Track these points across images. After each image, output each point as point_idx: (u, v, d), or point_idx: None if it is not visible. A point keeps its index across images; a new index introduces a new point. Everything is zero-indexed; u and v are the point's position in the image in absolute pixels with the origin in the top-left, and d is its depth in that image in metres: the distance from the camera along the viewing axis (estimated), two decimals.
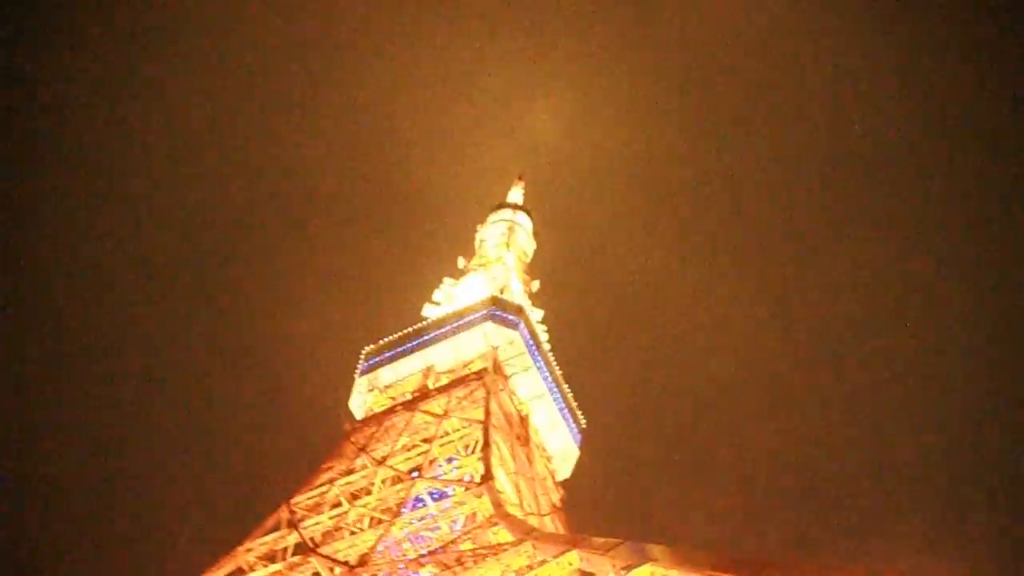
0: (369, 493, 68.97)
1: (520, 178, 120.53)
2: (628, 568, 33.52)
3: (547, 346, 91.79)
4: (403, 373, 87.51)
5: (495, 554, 47.70)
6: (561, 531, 68.39)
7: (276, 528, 67.58)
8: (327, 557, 60.67)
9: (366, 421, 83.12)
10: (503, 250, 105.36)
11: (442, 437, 73.02)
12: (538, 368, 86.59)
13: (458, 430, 73.77)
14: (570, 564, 39.78)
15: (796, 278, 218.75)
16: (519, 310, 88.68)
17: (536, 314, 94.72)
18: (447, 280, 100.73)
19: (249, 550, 64.93)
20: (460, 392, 79.23)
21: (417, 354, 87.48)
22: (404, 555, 59.43)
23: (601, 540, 38.82)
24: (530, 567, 43.35)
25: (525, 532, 49.62)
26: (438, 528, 63.49)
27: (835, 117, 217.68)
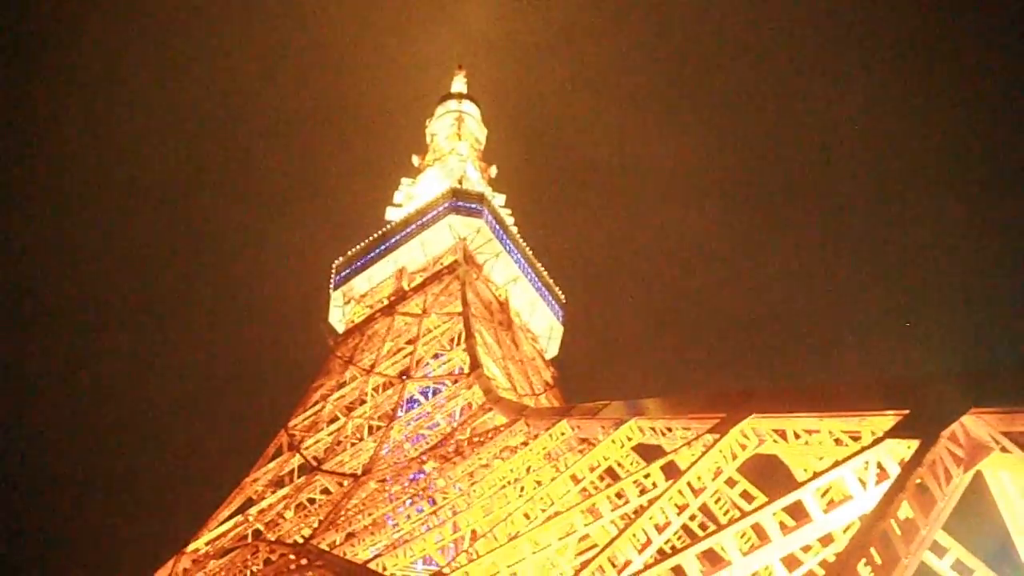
0: (363, 403, 69.25)
1: (460, 67, 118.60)
2: (617, 425, 33.69)
3: (514, 228, 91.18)
4: (376, 279, 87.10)
5: (491, 438, 48.13)
6: (556, 406, 68.47)
7: (278, 454, 68.13)
8: (332, 472, 61.19)
9: (348, 333, 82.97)
10: (455, 141, 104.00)
11: (425, 336, 73.14)
12: (509, 252, 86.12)
13: (439, 326, 73.94)
14: (562, 433, 40.07)
15: (754, 115, 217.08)
16: (480, 198, 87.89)
17: (498, 198, 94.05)
18: (404, 180, 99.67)
19: (255, 480, 65.37)
20: (435, 288, 79.02)
21: (387, 258, 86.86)
22: (406, 456, 59.99)
23: (589, 404, 38.99)
24: (525, 443, 43.66)
25: (518, 412, 50.00)
26: (436, 424, 64.12)
27: None
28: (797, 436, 24.76)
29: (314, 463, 63.99)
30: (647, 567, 21.97)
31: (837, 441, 23.38)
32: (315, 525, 51.89)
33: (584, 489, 33.35)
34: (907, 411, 20.87)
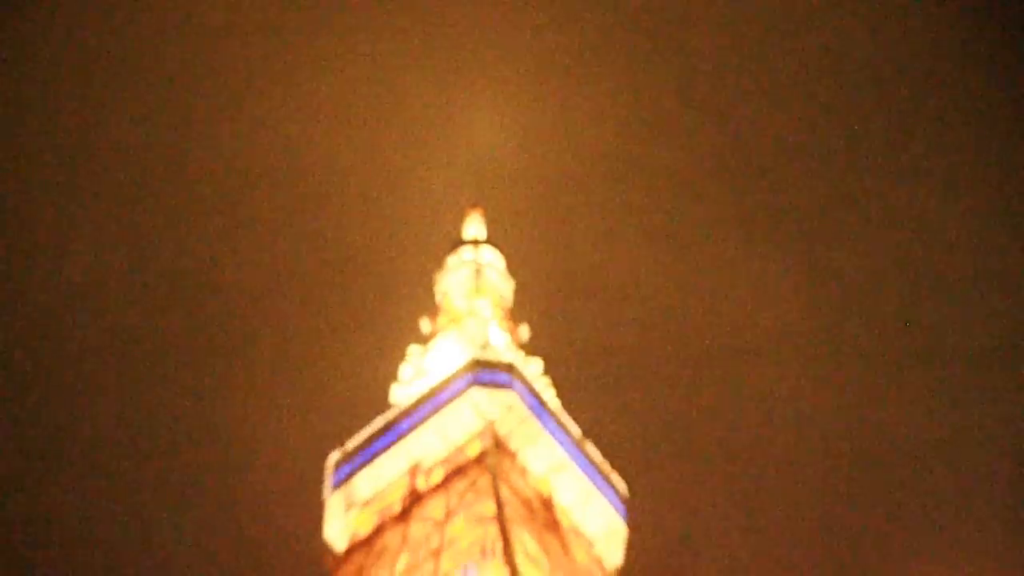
0: None
1: (475, 207, 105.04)
2: None
3: (555, 402, 75.59)
4: (384, 477, 70.95)
5: None
6: None
7: None
8: None
9: (352, 548, 67.72)
10: (474, 298, 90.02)
11: (450, 546, 59.83)
12: (550, 433, 70.70)
13: (468, 533, 60.17)
14: None
15: (822, 259, 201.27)
16: (509, 367, 72.38)
17: (533, 366, 78.32)
18: (413, 350, 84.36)
19: None
20: (460, 485, 65.10)
21: (396, 450, 71.06)
22: None
23: None
24: None
25: None
26: None
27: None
28: None
29: None
30: None
31: None
32: None
33: None
34: None
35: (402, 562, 61.02)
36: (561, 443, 71.01)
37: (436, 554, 59.24)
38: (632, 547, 73.07)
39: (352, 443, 73.96)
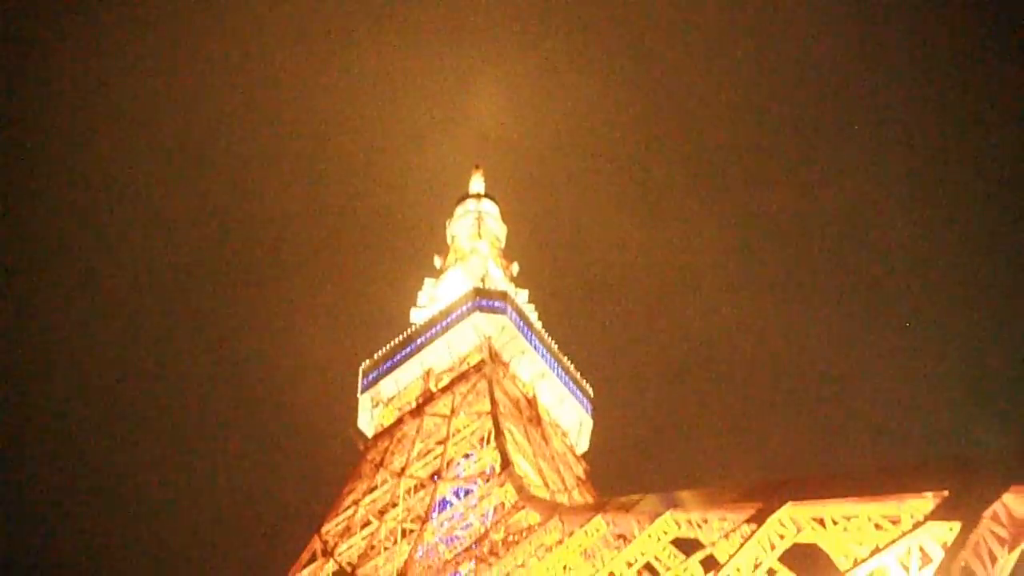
0: (395, 506, 69.28)
1: (477, 167, 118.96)
2: (652, 519, 33.54)
3: (539, 324, 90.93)
4: (404, 381, 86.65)
5: (526, 537, 48.07)
6: (589, 501, 67.94)
7: (312, 560, 67.92)
8: None
9: (378, 436, 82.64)
10: (476, 240, 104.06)
11: (455, 436, 73.32)
12: (534, 348, 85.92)
13: (469, 425, 74.16)
14: (597, 529, 39.93)
15: (758, 215, 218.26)
16: (503, 295, 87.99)
17: (522, 295, 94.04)
18: (428, 281, 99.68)
19: None
20: (463, 388, 79.03)
21: (413, 360, 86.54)
22: (441, 558, 59.99)
23: (623, 499, 38.95)
24: (560, 541, 43.45)
25: (551, 509, 49.98)
26: (469, 524, 64.06)
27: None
28: (835, 522, 24.68)
29: (348, 569, 64.03)
30: None
31: (877, 526, 23.21)
32: None
33: None
34: (946, 492, 20.90)
35: (417, 447, 74.34)
36: (542, 356, 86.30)
37: (444, 441, 72.24)
38: (596, 437, 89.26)
39: (379, 354, 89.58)
